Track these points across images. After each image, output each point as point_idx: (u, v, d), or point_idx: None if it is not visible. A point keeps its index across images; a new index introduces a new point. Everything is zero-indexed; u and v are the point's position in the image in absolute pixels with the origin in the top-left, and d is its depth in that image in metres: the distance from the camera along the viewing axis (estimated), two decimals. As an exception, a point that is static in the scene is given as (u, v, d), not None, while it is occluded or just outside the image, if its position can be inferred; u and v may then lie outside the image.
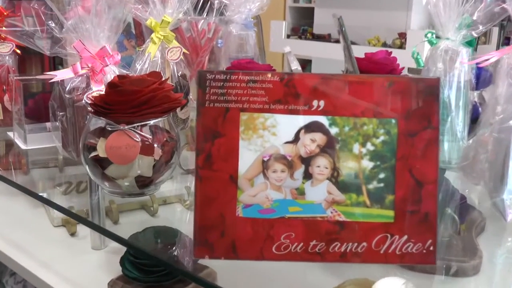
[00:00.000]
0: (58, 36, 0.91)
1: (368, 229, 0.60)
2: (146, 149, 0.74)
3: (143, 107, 0.73)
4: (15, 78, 1.00)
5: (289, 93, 0.61)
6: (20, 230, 0.96)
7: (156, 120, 0.75)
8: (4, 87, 1.09)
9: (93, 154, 0.75)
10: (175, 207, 1.02)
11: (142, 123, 0.74)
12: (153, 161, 0.75)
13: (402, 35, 2.63)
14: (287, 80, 0.61)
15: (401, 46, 2.45)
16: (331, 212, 0.61)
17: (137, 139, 0.73)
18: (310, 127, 0.61)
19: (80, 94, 0.91)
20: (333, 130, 0.61)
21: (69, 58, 1.02)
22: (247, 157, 0.61)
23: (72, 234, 0.94)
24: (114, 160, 0.73)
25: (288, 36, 2.82)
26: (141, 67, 1.07)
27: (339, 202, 0.61)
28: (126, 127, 0.73)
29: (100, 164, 0.75)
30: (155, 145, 0.75)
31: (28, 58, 1.15)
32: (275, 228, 0.60)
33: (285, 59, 3.17)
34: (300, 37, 2.89)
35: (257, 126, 0.61)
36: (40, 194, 1.00)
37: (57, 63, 1.23)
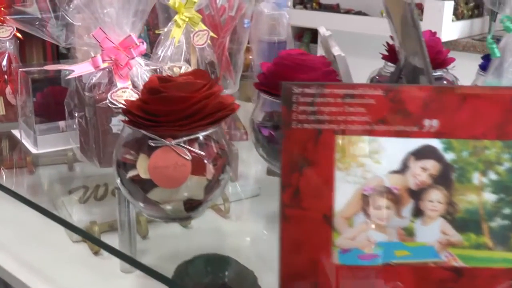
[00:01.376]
0: (74, 23, 0.77)
1: (491, 276, 0.50)
2: (198, 167, 0.61)
3: (194, 118, 0.60)
4: (20, 69, 0.86)
5: (395, 110, 0.48)
6: (31, 247, 0.83)
7: (208, 131, 0.62)
8: (6, 78, 0.94)
9: (131, 174, 0.63)
10: (209, 216, 0.90)
11: (192, 137, 0.62)
12: (205, 181, 0.63)
13: (419, 6, 2.48)
14: (394, 93, 0.48)
15: (417, 18, 2.32)
16: (446, 257, 0.50)
17: (187, 157, 0.60)
18: (421, 153, 0.49)
19: (103, 92, 0.77)
20: (449, 156, 0.49)
21: (77, 47, 0.88)
22: (344, 191, 0.49)
23: (96, 252, 0.82)
24: (159, 183, 0.60)
25: (294, 6, 2.66)
26: (163, 54, 0.93)
27: (456, 244, 0.50)
28: (173, 142, 0.60)
29: (141, 186, 0.62)
30: (207, 162, 0.62)
31: (28, 43, 1.00)
32: (379, 277, 0.49)
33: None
34: (305, 7, 2.73)
35: (356, 152, 0.48)
36: (54, 203, 0.87)
37: (61, 48, 1.08)
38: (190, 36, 0.96)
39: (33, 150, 0.87)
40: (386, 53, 1.09)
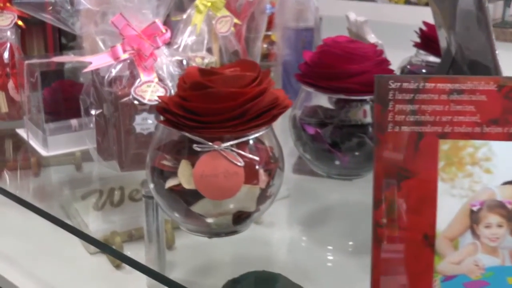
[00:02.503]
0: (92, 8, 0.67)
1: None
2: (250, 175, 0.53)
3: (246, 117, 0.51)
4: (26, 62, 0.76)
5: (510, 109, 0.40)
6: (43, 260, 0.74)
7: (261, 132, 0.54)
8: (8, 71, 0.84)
9: (171, 183, 0.54)
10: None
11: (243, 139, 0.53)
12: (258, 190, 0.54)
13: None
14: (509, 88, 0.40)
15: (428, 4, 2.21)
16: None
17: (239, 163, 0.51)
18: (540, 160, 0.41)
19: (125, 87, 0.68)
20: None
21: (85, 36, 0.79)
22: (449, 207, 0.40)
23: (117, 266, 0.73)
24: (207, 194, 0.52)
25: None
26: (184, 43, 0.84)
27: None
28: (223, 145, 0.52)
29: (183, 197, 0.53)
30: (260, 168, 0.54)
31: (28, 32, 0.90)
32: (490, 309, 0.41)
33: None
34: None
35: (463, 160, 0.40)
36: (66, 210, 0.78)
37: (68, 40, 0.98)
38: (212, 23, 0.86)
39: (43, 152, 0.77)
40: (417, 40, 1.01)
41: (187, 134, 0.52)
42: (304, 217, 0.79)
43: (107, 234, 0.73)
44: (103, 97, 0.70)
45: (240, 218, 0.55)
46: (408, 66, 1.03)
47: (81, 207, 0.80)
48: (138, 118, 0.68)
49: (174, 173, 0.54)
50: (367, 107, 0.68)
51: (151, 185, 0.57)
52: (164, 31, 0.68)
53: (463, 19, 0.70)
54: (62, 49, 0.98)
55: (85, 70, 0.67)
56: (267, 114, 0.52)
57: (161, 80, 0.69)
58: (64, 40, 1.01)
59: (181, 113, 0.52)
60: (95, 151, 0.74)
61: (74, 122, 0.78)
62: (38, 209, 0.74)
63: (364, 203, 0.81)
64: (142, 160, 0.70)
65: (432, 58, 1.02)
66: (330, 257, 0.73)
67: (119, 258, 0.67)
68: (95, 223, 0.76)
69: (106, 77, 0.68)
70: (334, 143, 0.67)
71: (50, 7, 0.66)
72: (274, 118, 0.53)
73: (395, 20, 1.23)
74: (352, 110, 0.67)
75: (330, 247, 0.74)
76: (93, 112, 0.71)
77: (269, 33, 1.15)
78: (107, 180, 0.87)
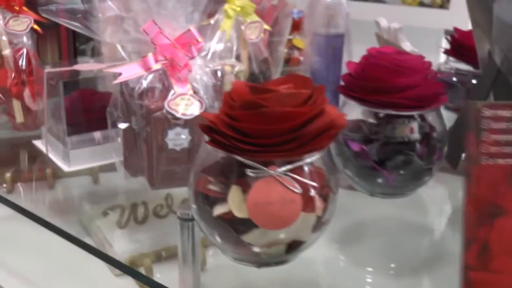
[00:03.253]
0: (123, 15, 0.63)
1: None
2: (306, 202, 0.48)
3: (304, 139, 0.47)
4: (46, 70, 0.71)
5: None
6: (62, 281, 0.69)
7: (317, 155, 0.49)
8: (24, 78, 0.79)
9: (220, 210, 0.49)
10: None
11: (299, 163, 0.48)
12: (314, 218, 0.50)
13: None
14: None
15: (443, 6, 2.10)
16: None
17: (297, 190, 0.47)
18: None
19: (157, 100, 0.63)
20: None
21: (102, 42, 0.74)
22: (550, 249, 0.36)
23: (147, 289, 0.68)
24: (262, 224, 0.47)
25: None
26: (213, 50, 0.79)
27: None
28: (279, 170, 0.47)
29: (233, 226, 0.49)
30: (316, 194, 0.49)
31: (42, 36, 0.85)
32: None
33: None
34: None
35: None
36: (87, 227, 0.74)
37: (80, 43, 0.93)
38: (241, 29, 0.82)
39: (64, 167, 0.72)
40: (442, 46, 0.98)
41: (239, 158, 0.47)
42: (336, 234, 0.75)
43: (135, 255, 0.69)
44: (133, 110, 0.65)
45: (293, 247, 0.51)
46: (438, 74, 0.99)
47: (103, 224, 0.76)
48: (171, 133, 0.64)
49: (221, 199, 0.49)
50: (415, 124, 0.64)
51: (196, 212, 0.52)
52: (199, 39, 0.63)
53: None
54: (79, 52, 0.93)
55: (115, 81, 0.62)
56: (325, 136, 0.48)
57: (195, 92, 0.64)
58: (76, 43, 0.97)
59: (231, 134, 0.48)
60: (121, 166, 0.69)
61: (97, 134, 0.73)
62: (57, 228, 0.69)
63: (405, 222, 0.78)
64: (174, 177, 0.66)
65: (463, 66, 0.98)
66: (369, 280, 0.69)
67: (151, 286, 0.63)
68: (120, 242, 0.72)
69: (137, 88, 0.64)
70: (380, 160, 0.63)
71: (79, 15, 0.61)
72: (331, 139, 0.49)
73: (408, 23, 1.19)
74: (399, 126, 0.63)
75: (369, 269, 0.70)
76: (121, 125, 0.66)
77: (290, 37, 1.11)
78: (128, 195, 0.82)
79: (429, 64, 0.63)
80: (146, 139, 0.64)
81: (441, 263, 0.68)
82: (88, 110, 0.74)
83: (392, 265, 0.69)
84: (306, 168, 0.49)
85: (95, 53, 0.84)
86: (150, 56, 0.63)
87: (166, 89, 0.64)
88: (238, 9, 0.80)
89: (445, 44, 1.02)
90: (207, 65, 0.66)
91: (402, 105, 0.61)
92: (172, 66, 0.64)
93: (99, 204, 0.81)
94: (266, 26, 0.83)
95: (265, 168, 0.47)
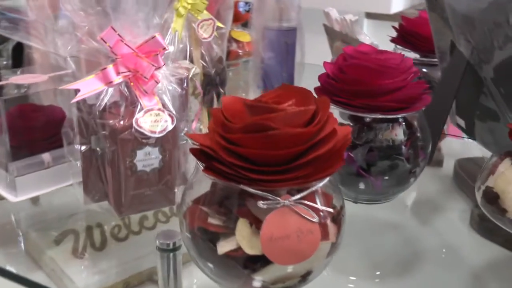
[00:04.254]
0: (77, 23, 0.54)
1: None
2: (323, 230, 0.44)
3: (317, 163, 0.42)
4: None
5: None
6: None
7: (329, 178, 0.45)
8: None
9: (226, 248, 0.43)
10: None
11: (312, 189, 0.44)
12: (329, 246, 0.45)
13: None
14: None
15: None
16: None
17: (314, 219, 0.42)
18: None
19: (123, 117, 0.56)
20: None
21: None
22: None
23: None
24: (278, 260, 0.42)
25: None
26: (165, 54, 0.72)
27: None
28: (292, 199, 0.42)
29: (242, 263, 0.44)
30: (330, 221, 0.45)
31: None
32: None
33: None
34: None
35: None
36: (39, 261, 0.65)
37: None
38: (193, 27, 0.75)
39: (11, 197, 0.63)
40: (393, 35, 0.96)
41: (248, 189, 0.42)
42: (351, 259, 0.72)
43: (105, 289, 0.61)
44: (92, 130, 0.57)
45: (305, 276, 0.46)
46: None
47: (56, 254, 0.67)
48: (140, 154, 0.57)
49: (225, 234, 0.44)
50: (401, 126, 0.61)
51: (193, 249, 0.46)
52: (166, 47, 0.56)
53: (485, 21, 0.65)
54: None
55: (73, 100, 0.54)
56: (336, 155, 0.44)
57: (164, 105, 0.57)
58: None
59: (235, 161, 0.42)
60: (79, 187, 0.61)
61: (46, 156, 0.64)
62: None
63: (389, 227, 0.76)
64: (144, 201, 0.60)
65: (411, 54, 0.97)
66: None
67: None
68: (81, 275, 0.64)
69: (97, 105, 0.56)
70: (367, 166, 0.60)
71: (32, 28, 0.52)
72: (342, 158, 0.45)
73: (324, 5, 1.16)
74: (385, 129, 0.60)
75: (353, 278, 0.67)
76: (79, 147, 0.58)
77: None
78: (77, 216, 0.74)
79: (411, 62, 0.60)
80: (112, 161, 0.57)
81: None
82: (32, 128, 0.64)
83: (378, 273, 0.67)
84: (317, 193, 0.44)
85: (25, 60, 0.74)
86: (111, 68, 0.55)
87: (131, 104, 0.56)
88: (189, 6, 0.72)
89: (366, 29, 1.00)
90: (172, 73, 0.59)
91: (390, 108, 0.58)
92: (137, 78, 0.56)
93: (47, 230, 0.72)
94: (219, 24, 0.77)
95: (279, 199, 0.42)
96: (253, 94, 0.94)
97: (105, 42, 0.55)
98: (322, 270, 0.48)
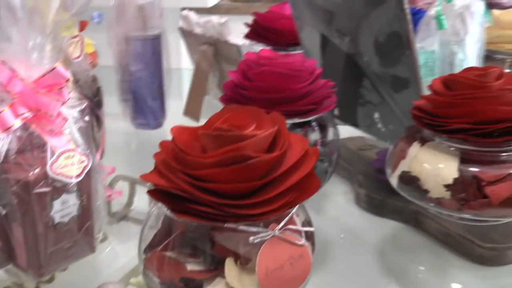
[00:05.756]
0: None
1: None
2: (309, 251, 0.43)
3: (301, 184, 0.41)
4: None
5: None
6: None
7: (307, 199, 0.43)
8: None
9: (216, 290, 0.40)
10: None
11: (292, 213, 0.42)
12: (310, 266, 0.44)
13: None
14: None
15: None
16: None
17: (300, 242, 0.41)
18: None
19: (34, 168, 0.47)
20: None
21: None
22: None
23: None
24: (276, 293, 0.40)
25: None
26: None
27: None
28: (279, 227, 0.40)
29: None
30: (309, 240, 0.44)
31: None
32: None
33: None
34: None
35: None
36: None
37: None
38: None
39: None
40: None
41: (233, 225, 0.39)
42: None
43: None
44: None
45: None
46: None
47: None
48: (56, 205, 0.49)
49: (208, 279, 0.40)
50: (316, 128, 0.62)
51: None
52: (67, 77, 0.49)
53: (367, 21, 0.68)
54: None
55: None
56: (311, 175, 0.42)
57: (75, 144, 0.50)
58: None
59: (217, 200, 0.38)
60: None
61: None
62: None
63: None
64: (65, 255, 0.52)
65: (260, 47, 0.98)
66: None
67: None
68: None
69: (-3, 155, 0.47)
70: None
71: None
72: (315, 175, 0.43)
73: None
74: (303, 132, 0.60)
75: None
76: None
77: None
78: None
79: (315, 63, 0.61)
80: (23, 220, 0.48)
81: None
82: None
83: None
84: (296, 215, 0.43)
85: None
86: (7, 110, 0.47)
87: (39, 148, 0.48)
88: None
89: (181, 23, 0.97)
90: (71, 104, 0.52)
91: (306, 110, 0.58)
92: (40, 118, 0.48)
93: None
94: (88, 40, 0.69)
95: (269, 230, 0.39)
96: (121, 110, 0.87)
97: (-6, 81, 0.46)
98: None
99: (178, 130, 0.43)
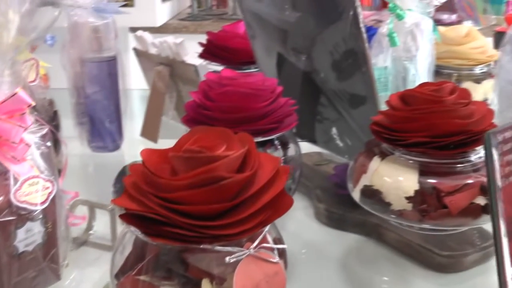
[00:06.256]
0: None
1: None
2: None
3: (274, 202, 0.42)
4: None
5: None
6: None
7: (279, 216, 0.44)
8: None
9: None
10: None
11: (265, 231, 0.42)
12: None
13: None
14: None
15: (127, 3, 1.88)
16: None
17: (275, 260, 0.41)
18: None
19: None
20: None
21: None
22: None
23: None
24: (254, 312, 0.40)
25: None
26: None
27: None
28: (253, 245, 0.41)
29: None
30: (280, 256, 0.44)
31: None
32: None
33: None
34: None
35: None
36: None
37: None
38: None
39: None
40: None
41: (208, 246, 0.39)
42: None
43: None
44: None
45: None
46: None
47: None
48: (20, 234, 0.48)
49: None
50: (279, 145, 0.62)
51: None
52: (31, 102, 0.48)
53: (323, 42, 0.70)
54: None
55: None
56: (283, 193, 0.43)
57: (39, 170, 0.49)
58: None
59: (192, 222, 0.38)
60: None
61: None
62: None
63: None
64: (28, 286, 0.51)
65: (217, 67, 0.99)
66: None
67: None
68: None
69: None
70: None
71: None
72: (287, 193, 0.44)
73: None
74: (268, 151, 0.61)
75: None
76: None
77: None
78: None
79: (275, 82, 0.62)
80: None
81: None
82: None
83: None
84: (269, 233, 0.43)
85: None
86: (-35, 139, 0.45)
87: (1, 176, 0.47)
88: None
89: (136, 44, 0.96)
90: (32, 130, 0.51)
91: (268, 129, 0.59)
92: (2, 145, 0.47)
93: None
94: (43, 63, 0.68)
95: (244, 249, 0.40)
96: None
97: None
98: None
99: (148, 153, 0.43)
